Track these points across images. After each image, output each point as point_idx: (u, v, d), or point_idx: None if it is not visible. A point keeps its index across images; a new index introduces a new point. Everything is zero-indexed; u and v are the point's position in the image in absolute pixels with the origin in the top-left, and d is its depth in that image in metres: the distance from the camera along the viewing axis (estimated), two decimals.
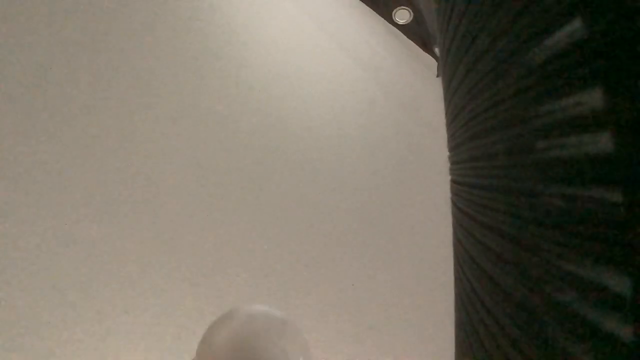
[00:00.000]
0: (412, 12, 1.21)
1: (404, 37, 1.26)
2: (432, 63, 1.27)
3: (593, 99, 0.10)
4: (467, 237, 0.19)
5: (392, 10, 1.22)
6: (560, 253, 0.11)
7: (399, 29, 1.25)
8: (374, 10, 1.25)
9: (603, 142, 0.10)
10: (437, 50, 1.22)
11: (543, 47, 0.12)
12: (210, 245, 0.97)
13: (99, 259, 0.88)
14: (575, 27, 0.10)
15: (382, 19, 1.25)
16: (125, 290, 0.88)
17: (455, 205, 0.22)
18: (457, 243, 0.21)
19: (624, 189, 0.09)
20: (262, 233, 1.03)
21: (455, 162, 0.22)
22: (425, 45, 1.26)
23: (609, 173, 0.09)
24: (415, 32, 1.25)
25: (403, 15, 1.22)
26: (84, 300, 0.85)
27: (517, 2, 0.13)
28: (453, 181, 0.23)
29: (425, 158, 1.21)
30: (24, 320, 0.80)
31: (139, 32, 1.02)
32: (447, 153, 0.24)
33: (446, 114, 0.23)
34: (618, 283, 0.09)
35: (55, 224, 0.86)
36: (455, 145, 0.21)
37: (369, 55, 1.25)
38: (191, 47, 1.07)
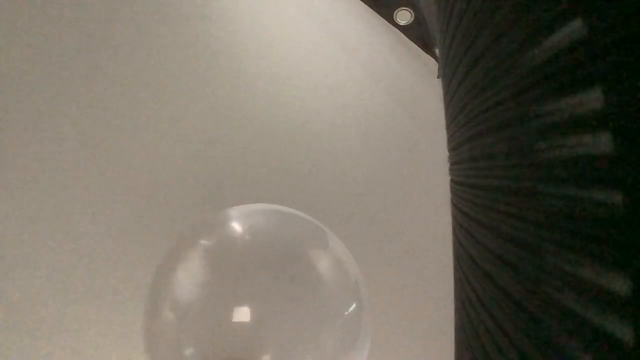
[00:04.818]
0: (413, 12, 1.21)
1: (405, 37, 1.26)
2: (433, 64, 1.27)
3: (593, 99, 0.10)
4: (467, 238, 0.19)
5: (393, 11, 1.22)
6: (560, 253, 0.11)
7: (399, 29, 1.25)
8: (374, 10, 1.25)
9: (603, 142, 0.10)
10: (437, 51, 1.22)
11: (543, 47, 0.12)
12: None
13: (100, 259, 0.88)
14: (575, 27, 0.10)
15: (383, 19, 1.25)
16: (125, 291, 0.88)
17: (455, 205, 0.22)
18: (457, 243, 0.21)
19: (623, 190, 0.09)
20: None
21: (455, 162, 0.22)
22: (426, 46, 1.26)
23: (609, 173, 0.09)
24: (416, 33, 1.25)
25: (404, 16, 1.22)
26: (85, 299, 0.85)
27: (517, 2, 0.13)
28: (453, 181, 0.23)
29: (425, 158, 1.21)
30: (21, 320, 0.80)
31: (140, 32, 1.02)
32: (447, 153, 0.24)
33: (446, 114, 0.23)
34: (618, 283, 0.09)
35: (55, 223, 0.86)
36: (455, 146, 0.21)
37: (369, 56, 1.25)
38: (191, 46, 1.08)
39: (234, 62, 1.11)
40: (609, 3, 0.10)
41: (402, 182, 1.20)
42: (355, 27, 1.26)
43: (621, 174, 0.09)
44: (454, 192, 0.22)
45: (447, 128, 0.23)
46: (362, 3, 1.24)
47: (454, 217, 0.22)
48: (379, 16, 1.25)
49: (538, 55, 0.12)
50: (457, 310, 0.21)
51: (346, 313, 0.29)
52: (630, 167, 0.09)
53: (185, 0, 1.09)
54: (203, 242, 0.31)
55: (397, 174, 1.20)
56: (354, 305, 0.29)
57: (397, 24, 1.24)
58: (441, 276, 1.10)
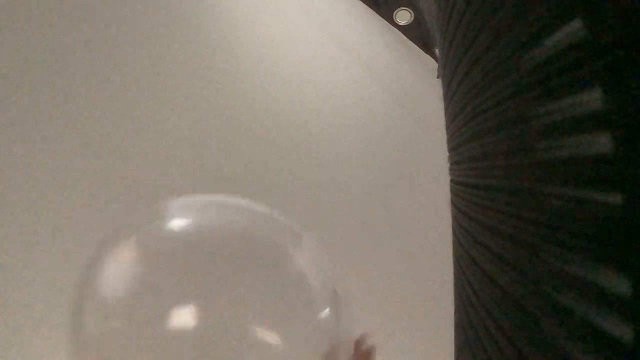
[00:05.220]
0: (413, 13, 1.21)
1: (405, 37, 1.26)
2: (433, 63, 1.27)
3: (593, 99, 0.10)
4: (466, 238, 0.19)
5: (393, 11, 1.22)
6: (560, 253, 0.11)
7: (399, 29, 1.25)
8: (374, 11, 1.24)
9: (602, 142, 0.10)
10: (437, 51, 1.22)
11: (543, 48, 0.12)
12: None
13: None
14: (575, 27, 0.10)
15: (383, 19, 1.25)
16: None
17: (454, 205, 0.22)
18: (457, 243, 0.21)
19: (623, 190, 0.09)
20: None
21: (455, 162, 0.22)
22: (426, 46, 1.26)
23: (608, 173, 0.09)
24: (416, 33, 1.25)
25: (404, 16, 1.22)
26: None
27: (517, 2, 0.13)
28: (453, 181, 0.23)
29: (424, 158, 1.21)
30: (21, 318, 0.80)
31: (140, 32, 1.02)
32: (447, 153, 0.24)
33: (446, 114, 0.23)
34: (618, 283, 0.09)
35: (55, 223, 0.86)
36: (455, 146, 0.21)
37: (370, 56, 1.25)
38: (191, 46, 1.07)
39: (234, 62, 1.11)
40: (609, 3, 0.09)
41: (402, 183, 1.20)
42: (355, 27, 1.26)
43: (621, 174, 0.09)
44: (454, 192, 0.22)
45: (447, 128, 0.23)
46: (362, 3, 1.24)
47: (454, 217, 0.22)
48: (379, 16, 1.25)
49: (538, 55, 0.12)
50: (457, 310, 0.21)
51: (313, 320, 0.23)
52: (630, 167, 0.09)
53: (185, 0, 1.09)
54: (139, 235, 0.25)
55: (397, 174, 1.20)
56: (327, 310, 0.24)
57: (397, 24, 1.24)
58: (441, 276, 1.10)
